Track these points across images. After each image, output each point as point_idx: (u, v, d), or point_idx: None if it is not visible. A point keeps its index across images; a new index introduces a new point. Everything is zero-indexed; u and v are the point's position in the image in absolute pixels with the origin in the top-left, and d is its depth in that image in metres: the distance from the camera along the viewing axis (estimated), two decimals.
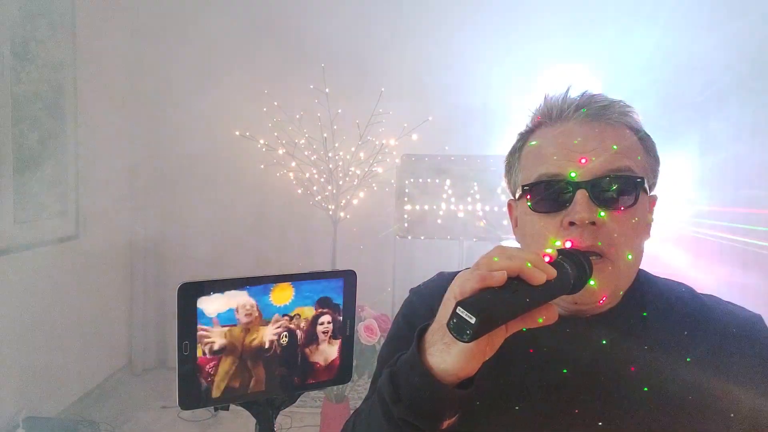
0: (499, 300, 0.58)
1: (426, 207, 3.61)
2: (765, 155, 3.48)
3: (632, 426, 0.74)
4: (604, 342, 0.78)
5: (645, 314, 0.80)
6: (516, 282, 0.60)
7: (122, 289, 4.12)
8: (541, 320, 0.62)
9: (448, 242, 3.68)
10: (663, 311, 0.80)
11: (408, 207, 3.64)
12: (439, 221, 3.58)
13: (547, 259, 0.65)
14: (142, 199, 4.15)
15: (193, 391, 0.68)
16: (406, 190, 3.65)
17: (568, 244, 0.73)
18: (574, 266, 0.67)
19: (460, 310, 0.57)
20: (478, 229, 3.53)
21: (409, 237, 3.68)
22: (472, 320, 0.55)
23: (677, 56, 3.55)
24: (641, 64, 3.59)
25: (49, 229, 3.23)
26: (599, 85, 3.75)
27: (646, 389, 0.75)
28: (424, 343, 0.66)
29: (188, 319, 0.66)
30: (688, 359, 0.75)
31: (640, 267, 0.84)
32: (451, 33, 3.88)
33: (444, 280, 0.89)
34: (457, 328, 0.57)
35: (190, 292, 0.66)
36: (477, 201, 3.55)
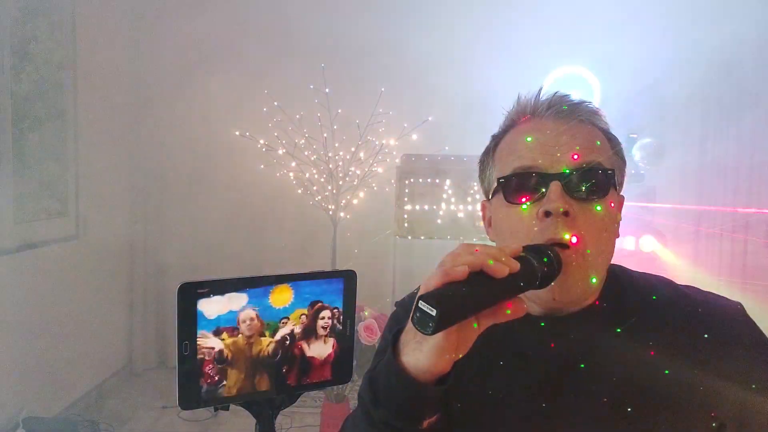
0: (461, 293, 0.59)
1: (426, 207, 3.61)
2: (762, 156, 3.48)
3: (619, 420, 0.74)
4: (618, 335, 0.78)
5: (630, 307, 0.81)
6: (479, 276, 0.60)
7: (122, 289, 4.13)
8: (508, 312, 0.63)
9: (448, 242, 3.68)
10: (643, 304, 0.81)
11: (408, 207, 3.64)
12: (439, 221, 3.58)
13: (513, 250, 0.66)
14: (142, 199, 4.15)
15: (193, 391, 0.68)
16: (406, 190, 3.65)
17: (574, 239, 0.74)
18: (541, 261, 0.67)
19: (421, 304, 0.57)
20: (478, 229, 3.53)
21: (409, 237, 3.68)
22: (433, 312, 0.56)
23: (673, 56, 3.55)
24: (640, 65, 3.59)
25: (49, 229, 3.23)
26: (598, 86, 3.75)
27: (631, 383, 0.75)
28: (399, 345, 0.67)
29: (188, 319, 0.66)
30: (670, 350, 0.76)
31: (620, 264, 0.86)
32: (451, 33, 3.88)
33: None
34: (420, 322, 0.57)
35: (190, 292, 0.66)
36: (477, 201, 3.56)
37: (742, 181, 3.60)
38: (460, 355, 0.64)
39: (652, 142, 3.38)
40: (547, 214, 0.74)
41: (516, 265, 0.62)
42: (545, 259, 0.68)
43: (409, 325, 0.65)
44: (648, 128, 3.52)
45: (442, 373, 0.64)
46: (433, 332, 0.57)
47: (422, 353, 0.63)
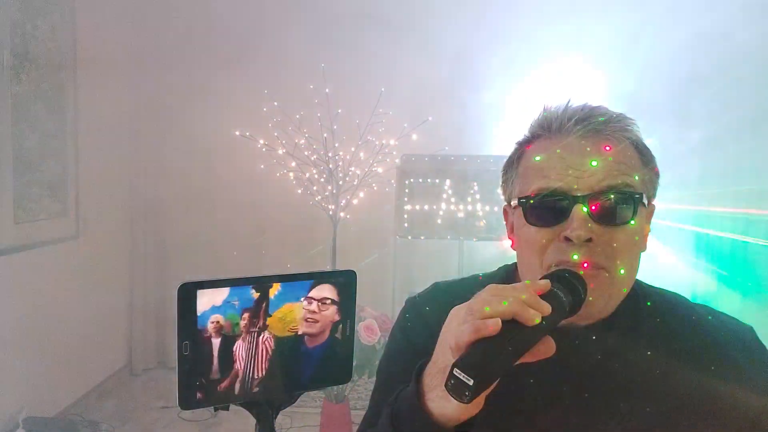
0: (496, 352, 0.57)
1: (426, 207, 3.61)
2: (763, 156, 3.48)
3: None
4: (632, 351, 0.78)
5: (645, 324, 0.80)
6: (511, 325, 0.58)
7: (122, 289, 4.12)
8: (538, 355, 0.61)
9: (448, 242, 3.68)
10: (657, 322, 0.81)
11: (408, 207, 3.64)
12: (439, 221, 3.58)
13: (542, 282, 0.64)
14: (142, 200, 4.15)
15: (193, 391, 0.68)
16: (406, 190, 3.65)
17: (593, 264, 0.72)
18: (568, 292, 0.66)
19: (457, 372, 0.55)
20: (478, 229, 3.53)
21: (409, 237, 3.68)
22: (470, 382, 0.54)
23: (673, 56, 3.55)
24: (641, 64, 3.59)
25: (49, 229, 3.23)
26: (599, 86, 3.75)
27: (641, 399, 0.76)
28: (422, 384, 0.65)
29: (188, 319, 0.66)
30: (681, 370, 0.76)
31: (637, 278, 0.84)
32: (451, 32, 3.88)
33: (440, 293, 0.90)
34: (455, 390, 0.55)
35: (190, 292, 0.66)
36: (477, 201, 3.56)
37: (742, 180, 3.60)
38: (486, 395, 0.62)
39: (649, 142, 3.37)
40: (567, 238, 0.73)
41: (547, 308, 0.60)
42: (573, 291, 0.67)
43: (434, 368, 0.64)
44: (647, 129, 3.51)
45: (469, 417, 0.63)
46: (470, 401, 0.55)
47: (450, 402, 0.60)
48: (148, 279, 4.20)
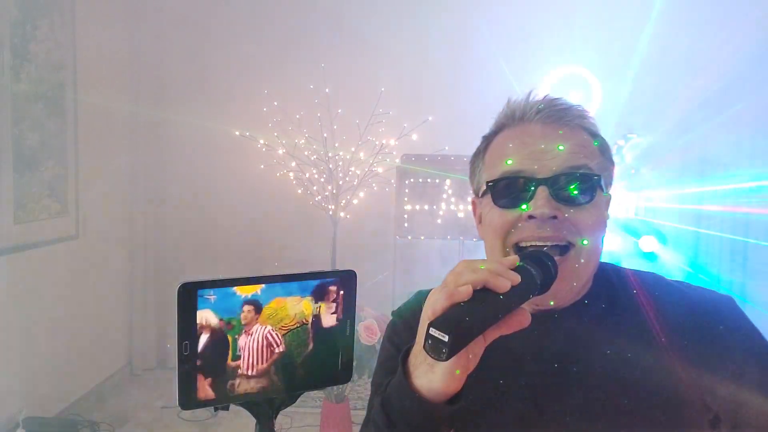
0: (469, 313, 0.60)
1: (426, 207, 3.61)
2: (763, 155, 3.49)
3: (610, 414, 0.75)
4: (609, 331, 0.79)
5: (620, 303, 0.83)
6: (483, 293, 0.62)
7: (122, 289, 4.13)
8: (514, 325, 0.64)
9: (448, 242, 3.68)
10: (633, 300, 0.83)
11: (408, 207, 3.64)
12: (439, 221, 3.58)
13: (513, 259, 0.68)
14: (142, 199, 4.15)
15: (193, 391, 0.68)
16: (406, 190, 3.66)
17: (563, 242, 0.74)
18: (538, 267, 0.69)
19: (432, 331, 0.58)
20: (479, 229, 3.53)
21: (409, 237, 3.68)
22: (445, 338, 0.57)
23: (673, 56, 3.55)
24: (640, 65, 3.60)
25: (49, 229, 3.23)
26: (598, 86, 3.75)
27: (623, 377, 0.76)
28: (408, 366, 0.68)
29: (188, 319, 0.66)
30: (662, 344, 0.77)
31: (611, 262, 0.88)
32: (451, 33, 3.88)
33: (423, 299, 0.91)
34: (433, 348, 0.58)
35: (190, 292, 0.66)
36: None
37: (742, 180, 3.60)
38: (471, 370, 0.65)
39: (642, 142, 3.40)
40: (532, 217, 0.76)
41: (516, 278, 0.63)
42: (542, 266, 0.70)
43: (418, 348, 0.67)
44: (647, 128, 3.52)
45: (455, 391, 0.65)
46: (447, 358, 0.58)
47: (435, 375, 0.64)
48: (148, 279, 4.20)
